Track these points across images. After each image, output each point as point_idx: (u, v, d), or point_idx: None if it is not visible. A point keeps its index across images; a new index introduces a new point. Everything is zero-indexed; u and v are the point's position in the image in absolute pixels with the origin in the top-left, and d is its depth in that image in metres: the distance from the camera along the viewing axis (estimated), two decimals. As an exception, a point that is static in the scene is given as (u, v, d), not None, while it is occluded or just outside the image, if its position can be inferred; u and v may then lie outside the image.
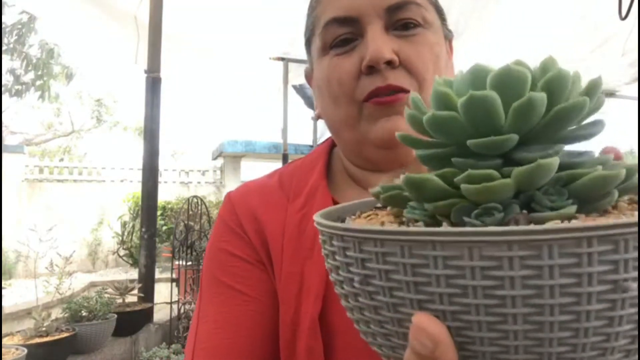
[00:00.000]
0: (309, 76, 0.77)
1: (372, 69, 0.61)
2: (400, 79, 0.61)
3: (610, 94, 4.54)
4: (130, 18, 3.39)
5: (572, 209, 0.29)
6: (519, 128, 0.31)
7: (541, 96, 0.30)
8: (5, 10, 8.50)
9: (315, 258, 0.62)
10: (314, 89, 0.74)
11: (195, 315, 0.69)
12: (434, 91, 0.33)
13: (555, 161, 0.29)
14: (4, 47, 10.06)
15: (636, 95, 4.19)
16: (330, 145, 0.78)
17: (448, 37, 0.71)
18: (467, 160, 0.32)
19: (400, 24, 0.63)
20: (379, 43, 0.60)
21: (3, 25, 9.85)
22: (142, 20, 3.32)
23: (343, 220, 0.41)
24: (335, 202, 0.66)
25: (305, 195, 0.68)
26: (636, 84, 4.03)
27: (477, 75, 0.33)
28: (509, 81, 0.31)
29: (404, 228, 0.29)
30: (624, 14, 2.20)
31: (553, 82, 0.31)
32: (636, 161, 0.32)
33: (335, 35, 0.64)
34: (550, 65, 0.33)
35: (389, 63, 0.61)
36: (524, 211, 0.30)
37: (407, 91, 0.61)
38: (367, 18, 0.62)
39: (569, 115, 0.31)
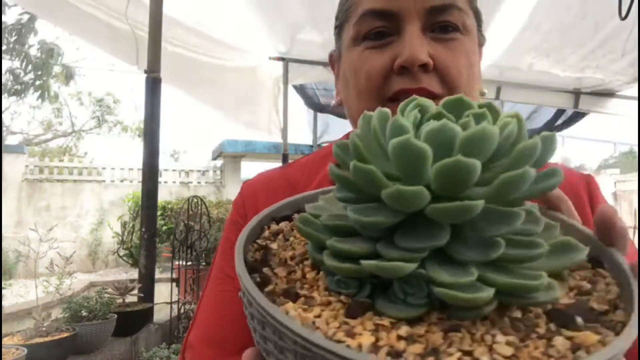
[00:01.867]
0: (333, 60, 0.76)
1: (404, 70, 0.60)
2: (432, 83, 0.60)
3: (611, 94, 4.54)
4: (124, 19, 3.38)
5: (414, 312, 0.29)
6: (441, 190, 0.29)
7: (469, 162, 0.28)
8: (5, 10, 8.48)
9: None
10: (339, 77, 0.73)
11: (200, 298, 0.71)
12: (357, 138, 0.32)
13: (408, 267, 0.28)
14: (3, 47, 10.04)
15: (636, 95, 4.18)
16: None
17: (481, 43, 0.70)
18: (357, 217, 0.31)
19: (439, 27, 0.62)
20: (417, 45, 0.59)
21: (3, 25, 9.84)
22: (135, 20, 3.30)
23: (299, 211, 0.43)
24: None
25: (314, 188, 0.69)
26: (636, 84, 4.03)
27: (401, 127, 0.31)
28: (440, 138, 0.29)
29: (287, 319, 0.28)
30: (624, 14, 2.20)
31: (474, 141, 0.29)
32: None
33: (370, 27, 0.63)
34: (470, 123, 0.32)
35: (423, 66, 0.59)
36: (368, 299, 0.30)
37: (437, 97, 0.60)
38: (406, 15, 0.60)
39: (510, 187, 0.29)
